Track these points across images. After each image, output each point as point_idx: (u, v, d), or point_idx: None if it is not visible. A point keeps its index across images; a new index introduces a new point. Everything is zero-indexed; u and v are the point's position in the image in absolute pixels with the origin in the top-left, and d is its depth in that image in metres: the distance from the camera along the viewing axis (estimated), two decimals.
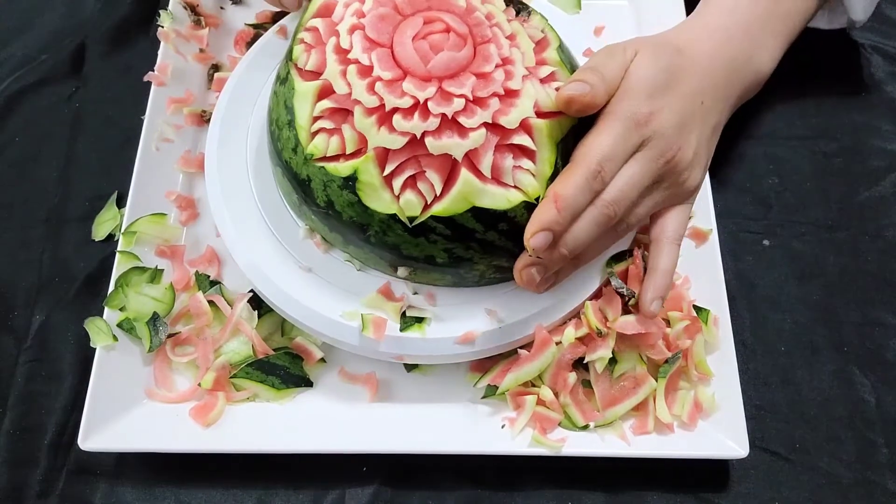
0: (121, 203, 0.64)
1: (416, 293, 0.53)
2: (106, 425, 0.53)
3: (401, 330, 0.51)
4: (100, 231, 0.64)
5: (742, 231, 0.64)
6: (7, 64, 0.73)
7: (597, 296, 0.54)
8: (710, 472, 0.55)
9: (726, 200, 0.65)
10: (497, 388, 0.53)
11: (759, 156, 0.67)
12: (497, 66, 0.48)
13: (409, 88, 0.46)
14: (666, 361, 0.53)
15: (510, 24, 0.50)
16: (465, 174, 0.46)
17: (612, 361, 0.53)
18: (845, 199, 0.65)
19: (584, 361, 0.53)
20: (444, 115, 0.46)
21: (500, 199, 0.46)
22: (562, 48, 0.52)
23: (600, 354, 0.52)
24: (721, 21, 0.56)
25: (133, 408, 0.54)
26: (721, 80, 0.54)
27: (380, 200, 0.47)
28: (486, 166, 0.46)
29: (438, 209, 0.46)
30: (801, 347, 0.59)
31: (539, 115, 0.48)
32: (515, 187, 0.47)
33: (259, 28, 0.69)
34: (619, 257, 0.54)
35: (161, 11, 0.68)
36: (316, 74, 0.49)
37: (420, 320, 0.52)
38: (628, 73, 0.50)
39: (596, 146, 0.48)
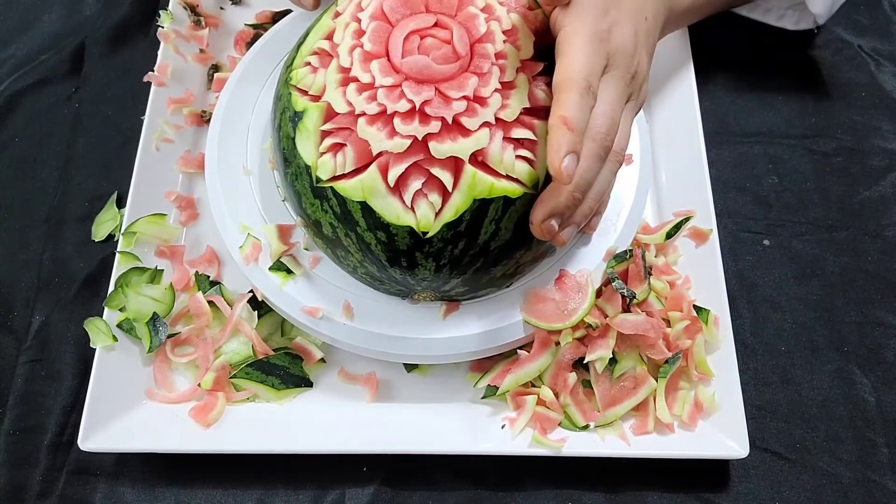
0: (121, 203, 0.64)
1: (307, 249, 0.54)
2: (106, 425, 0.53)
3: (269, 269, 0.53)
4: (100, 231, 0.64)
5: (742, 231, 0.64)
6: (7, 64, 0.73)
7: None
8: (710, 472, 0.54)
9: (726, 200, 0.65)
10: (497, 388, 0.53)
11: (758, 155, 0.67)
12: (463, 98, 0.46)
13: (374, 67, 0.47)
14: (666, 361, 0.53)
15: (518, 76, 0.48)
16: (372, 168, 0.46)
17: (613, 361, 0.53)
18: (845, 199, 0.65)
19: (584, 361, 0.53)
20: (385, 108, 0.46)
21: (391, 211, 0.46)
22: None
23: (600, 354, 0.52)
24: None
25: (133, 408, 0.54)
26: (657, 1, 0.54)
27: (307, 147, 0.48)
28: (392, 176, 0.46)
29: (340, 185, 0.47)
30: (801, 347, 0.59)
31: (474, 163, 0.46)
32: (412, 209, 0.46)
33: (259, 28, 0.69)
34: (619, 257, 0.54)
35: (161, 11, 0.68)
36: (336, 14, 0.52)
37: (289, 272, 0.53)
38: None
39: (575, 65, 0.46)
